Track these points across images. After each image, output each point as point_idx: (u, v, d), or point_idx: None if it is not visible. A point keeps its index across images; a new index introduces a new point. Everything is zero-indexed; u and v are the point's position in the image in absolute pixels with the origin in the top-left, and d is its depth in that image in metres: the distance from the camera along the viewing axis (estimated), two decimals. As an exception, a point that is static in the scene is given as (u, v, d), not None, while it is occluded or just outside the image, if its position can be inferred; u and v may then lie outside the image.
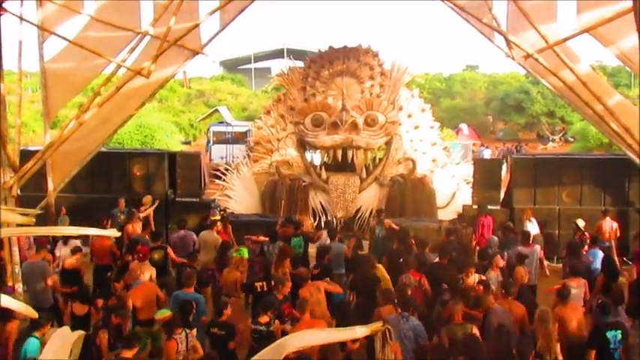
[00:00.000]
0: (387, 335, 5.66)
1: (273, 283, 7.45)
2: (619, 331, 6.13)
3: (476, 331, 6.10)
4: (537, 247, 9.26)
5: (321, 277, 7.70)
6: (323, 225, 13.45)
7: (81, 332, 3.54)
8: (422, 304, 7.11)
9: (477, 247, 10.76)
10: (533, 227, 10.82)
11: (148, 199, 12.00)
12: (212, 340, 6.49)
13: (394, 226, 10.57)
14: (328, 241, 9.83)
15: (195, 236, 9.89)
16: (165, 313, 6.31)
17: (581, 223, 10.81)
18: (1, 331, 6.24)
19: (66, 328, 3.64)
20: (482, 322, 6.44)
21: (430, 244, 9.26)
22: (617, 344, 6.05)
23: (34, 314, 4.44)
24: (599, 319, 6.60)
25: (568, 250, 9.12)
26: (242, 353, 6.74)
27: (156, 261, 8.81)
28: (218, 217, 10.78)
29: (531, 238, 9.40)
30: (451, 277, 7.65)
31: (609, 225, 11.12)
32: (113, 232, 4.83)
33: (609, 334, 6.09)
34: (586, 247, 9.56)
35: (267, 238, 9.51)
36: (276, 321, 6.50)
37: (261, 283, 7.66)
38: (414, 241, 9.40)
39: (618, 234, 11.15)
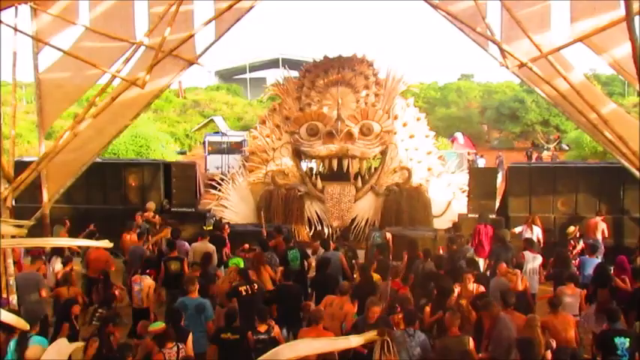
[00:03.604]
0: (386, 347, 5.52)
1: (256, 287, 7.62)
2: (627, 339, 6.10)
3: (472, 344, 6.01)
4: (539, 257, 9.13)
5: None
6: (319, 235, 13.41)
7: (79, 344, 3.51)
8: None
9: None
10: (533, 234, 10.80)
11: (152, 205, 11.95)
12: (223, 346, 6.39)
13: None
14: (321, 251, 9.79)
15: (187, 245, 9.83)
16: (158, 325, 6.25)
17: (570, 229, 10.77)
18: (3, 343, 6.19)
19: (63, 340, 3.63)
20: (490, 333, 6.33)
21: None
22: (624, 352, 6.00)
23: (26, 327, 4.40)
24: (607, 325, 6.54)
25: (556, 260, 9.14)
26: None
27: (173, 271, 8.78)
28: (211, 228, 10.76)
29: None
30: (445, 288, 7.55)
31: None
32: (105, 244, 4.79)
33: (617, 340, 6.07)
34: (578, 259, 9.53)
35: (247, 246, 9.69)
36: (276, 326, 6.54)
37: (245, 287, 7.58)
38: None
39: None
